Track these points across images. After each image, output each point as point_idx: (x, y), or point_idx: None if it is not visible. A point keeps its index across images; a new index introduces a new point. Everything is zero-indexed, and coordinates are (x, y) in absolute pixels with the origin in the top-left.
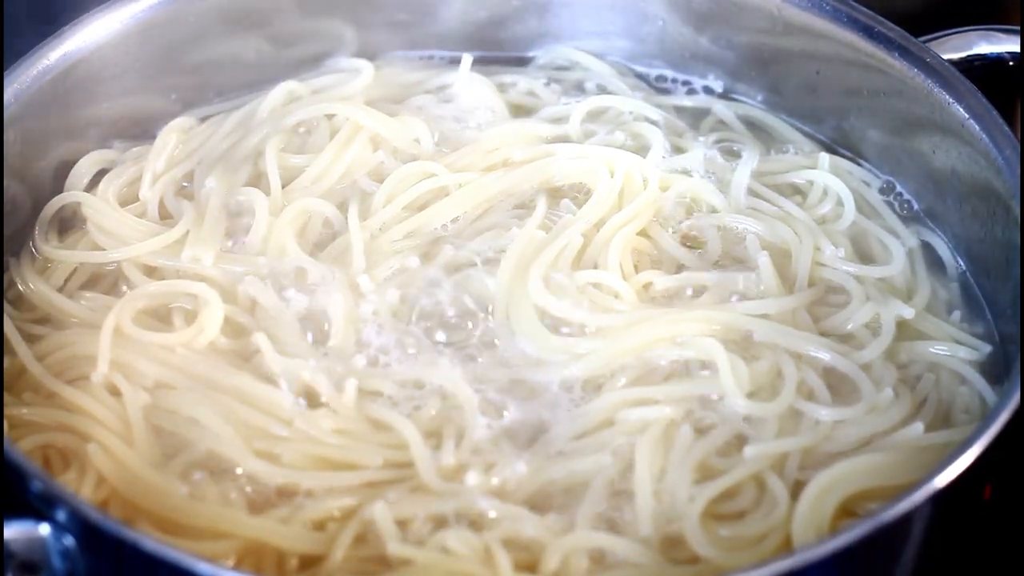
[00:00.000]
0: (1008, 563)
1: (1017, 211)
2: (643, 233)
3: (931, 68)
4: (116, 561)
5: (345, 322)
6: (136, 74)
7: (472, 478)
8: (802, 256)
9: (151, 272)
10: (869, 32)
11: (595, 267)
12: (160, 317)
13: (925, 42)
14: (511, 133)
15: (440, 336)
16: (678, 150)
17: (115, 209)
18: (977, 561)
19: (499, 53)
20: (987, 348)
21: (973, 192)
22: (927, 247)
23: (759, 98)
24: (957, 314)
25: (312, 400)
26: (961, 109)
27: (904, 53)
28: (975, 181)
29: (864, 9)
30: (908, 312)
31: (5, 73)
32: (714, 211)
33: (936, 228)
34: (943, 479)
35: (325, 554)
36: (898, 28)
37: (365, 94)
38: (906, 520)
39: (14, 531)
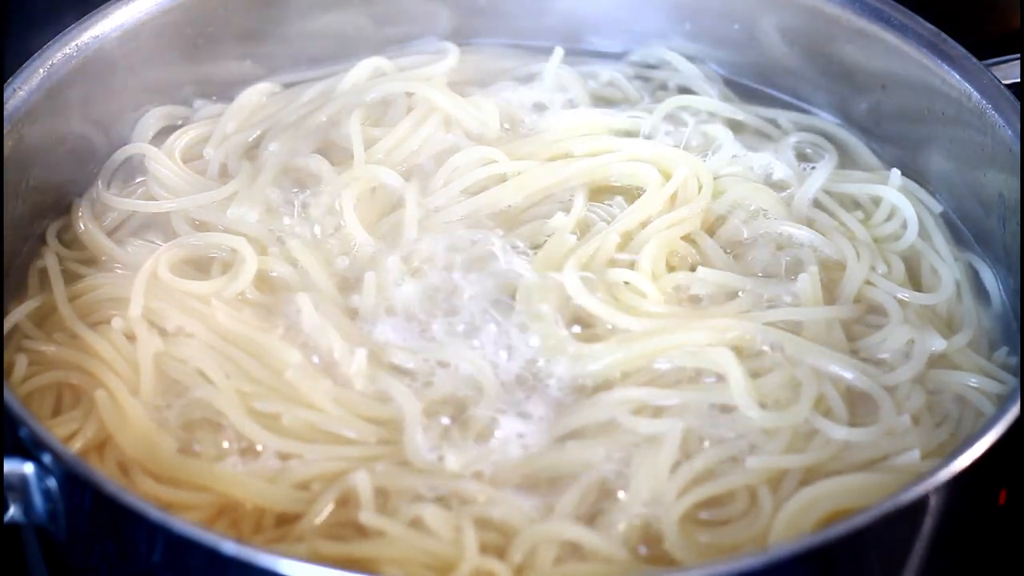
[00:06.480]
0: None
1: None
2: (688, 237)
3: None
4: (93, 507)
5: (378, 294)
6: (233, 37)
7: (462, 458)
8: (856, 275)
9: (199, 227)
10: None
11: (630, 266)
12: (201, 268)
13: (989, 65)
14: (579, 124)
15: (466, 320)
16: (752, 153)
17: (176, 163)
18: (993, 567)
19: (592, 47)
20: (1015, 382)
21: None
22: (975, 277)
23: (838, 114)
24: (1004, 349)
25: (329, 365)
26: (1010, 133)
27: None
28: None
29: (929, 26)
30: (940, 345)
31: (82, 19)
32: (772, 218)
33: (985, 258)
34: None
35: (302, 514)
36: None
37: (450, 76)
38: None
39: None
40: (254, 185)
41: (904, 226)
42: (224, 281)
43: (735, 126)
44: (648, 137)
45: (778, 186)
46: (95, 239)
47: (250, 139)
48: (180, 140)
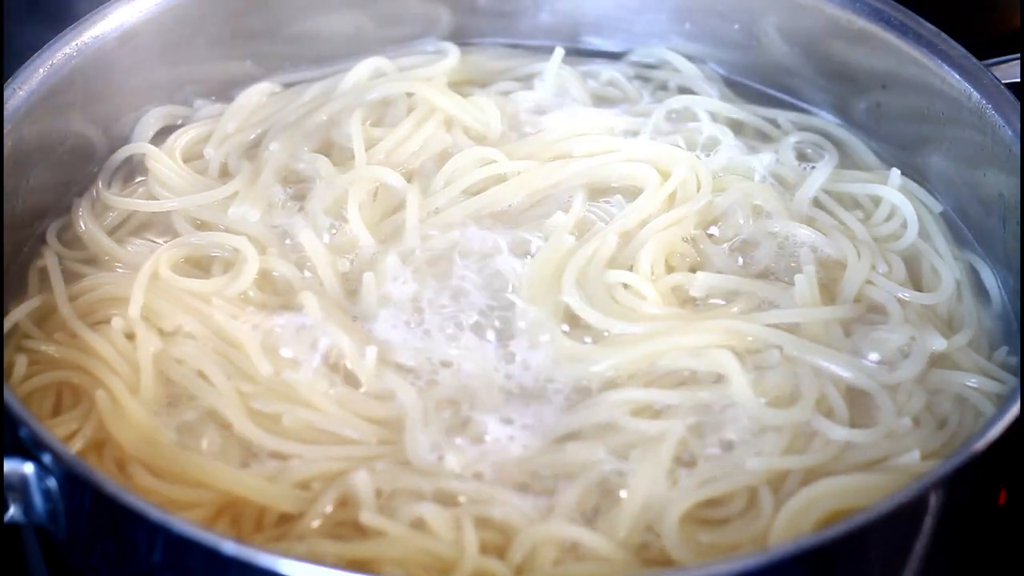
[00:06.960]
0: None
1: None
2: (688, 237)
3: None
4: (93, 507)
5: (377, 293)
6: (233, 37)
7: (462, 458)
8: (856, 274)
9: (200, 226)
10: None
11: (630, 267)
12: (202, 267)
13: (988, 65)
14: (579, 125)
15: (467, 320)
16: (752, 153)
17: (176, 163)
18: (994, 567)
19: (592, 47)
20: (1015, 381)
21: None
22: (975, 276)
23: (838, 114)
24: (1004, 349)
25: (331, 364)
26: (1010, 133)
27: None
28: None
29: (930, 26)
30: (941, 345)
31: (82, 20)
32: (772, 217)
33: (985, 258)
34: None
35: (303, 513)
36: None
37: (450, 76)
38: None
39: None
40: (255, 185)
41: (904, 226)
42: (226, 280)
43: (735, 126)
44: (648, 137)
45: (778, 185)
46: (95, 239)
47: (250, 139)
48: (180, 140)
